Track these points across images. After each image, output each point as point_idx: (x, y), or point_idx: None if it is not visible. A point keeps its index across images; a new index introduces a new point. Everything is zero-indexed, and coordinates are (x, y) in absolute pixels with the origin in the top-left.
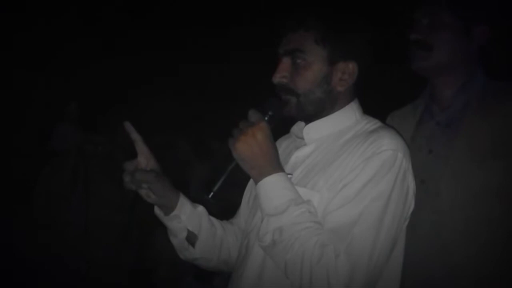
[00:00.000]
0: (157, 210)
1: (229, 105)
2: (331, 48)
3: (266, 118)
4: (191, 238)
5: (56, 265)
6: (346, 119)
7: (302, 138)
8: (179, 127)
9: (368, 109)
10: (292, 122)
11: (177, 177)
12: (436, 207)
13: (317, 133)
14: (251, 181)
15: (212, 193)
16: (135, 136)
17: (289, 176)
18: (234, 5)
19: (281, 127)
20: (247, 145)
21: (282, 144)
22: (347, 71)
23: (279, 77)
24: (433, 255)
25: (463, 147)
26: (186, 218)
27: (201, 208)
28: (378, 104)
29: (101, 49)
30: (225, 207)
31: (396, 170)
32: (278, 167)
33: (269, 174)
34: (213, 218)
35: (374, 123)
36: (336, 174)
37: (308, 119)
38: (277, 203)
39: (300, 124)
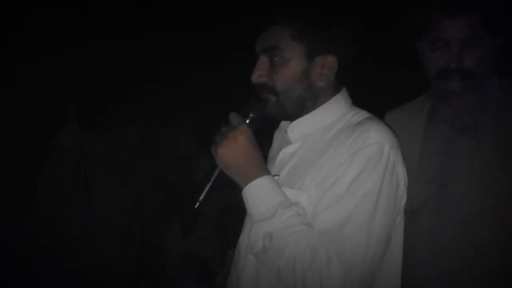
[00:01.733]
0: None
1: (226, 103)
2: (308, 43)
3: (247, 121)
4: None
5: (56, 265)
6: (331, 114)
7: None
8: (180, 124)
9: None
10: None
11: (180, 173)
12: (455, 212)
13: (301, 131)
14: None
15: (198, 203)
16: None
17: (276, 177)
18: (234, 4)
19: (273, 123)
20: (230, 150)
21: (278, 138)
22: (326, 65)
23: (257, 76)
24: (456, 263)
25: (485, 150)
26: None
27: None
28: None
29: (101, 49)
30: (222, 208)
31: (384, 164)
32: (262, 170)
33: (254, 178)
34: None
35: (361, 115)
36: (323, 171)
37: (291, 118)
38: (264, 208)
39: None
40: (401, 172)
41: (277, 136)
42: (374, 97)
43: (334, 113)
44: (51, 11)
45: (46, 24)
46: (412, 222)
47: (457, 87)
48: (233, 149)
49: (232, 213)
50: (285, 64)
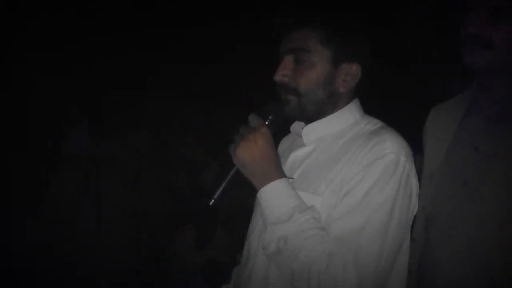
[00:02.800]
0: None
1: (236, 106)
2: (335, 49)
3: (266, 123)
4: None
5: (65, 270)
6: (345, 120)
7: (301, 137)
8: (187, 127)
9: (373, 109)
10: (293, 120)
11: (188, 177)
12: (480, 213)
13: (316, 134)
14: None
15: (213, 200)
16: None
17: (290, 180)
18: (234, 4)
19: (283, 127)
20: (248, 151)
21: (285, 144)
22: (350, 73)
23: (280, 75)
24: (474, 267)
25: None
26: None
27: None
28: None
29: (101, 49)
30: (235, 208)
31: (399, 174)
32: (279, 173)
33: (271, 180)
34: None
35: (374, 124)
36: (338, 177)
37: (309, 120)
38: (280, 211)
39: (300, 122)
40: (414, 184)
41: (285, 142)
42: (374, 97)
43: (348, 119)
44: (51, 11)
45: (46, 24)
46: (430, 223)
47: (476, 57)
48: (251, 150)
49: (239, 216)
50: (311, 67)
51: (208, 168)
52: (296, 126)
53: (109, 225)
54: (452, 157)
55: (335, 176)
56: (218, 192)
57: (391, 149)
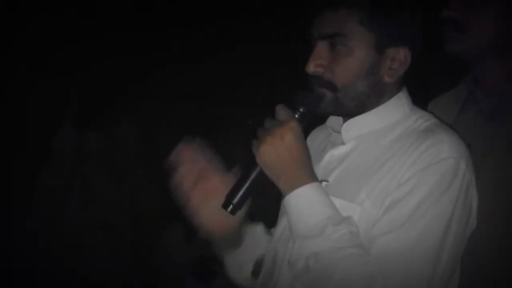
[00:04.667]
0: (217, 247)
1: (237, 106)
2: (379, 31)
3: (296, 116)
4: (257, 267)
5: (53, 265)
6: (393, 114)
7: (339, 132)
8: (178, 124)
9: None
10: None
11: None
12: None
13: (358, 130)
14: None
15: (231, 206)
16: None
17: (323, 183)
18: (234, 4)
19: (314, 121)
20: (274, 149)
21: (318, 138)
22: (398, 59)
23: (314, 66)
24: (474, 267)
25: (506, 142)
26: (252, 247)
27: (259, 227)
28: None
29: (101, 49)
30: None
31: (459, 184)
32: (310, 176)
33: (300, 185)
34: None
35: (426, 119)
36: (381, 184)
37: (348, 116)
38: (311, 222)
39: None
40: (474, 196)
41: (317, 137)
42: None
43: (396, 113)
44: (51, 11)
45: (46, 24)
46: None
47: (451, 42)
48: (278, 147)
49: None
50: (350, 54)
51: None
52: (333, 120)
53: (96, 219)
54: None
55: (379, 182)
56: (238, 196)
57: (450, 152)
